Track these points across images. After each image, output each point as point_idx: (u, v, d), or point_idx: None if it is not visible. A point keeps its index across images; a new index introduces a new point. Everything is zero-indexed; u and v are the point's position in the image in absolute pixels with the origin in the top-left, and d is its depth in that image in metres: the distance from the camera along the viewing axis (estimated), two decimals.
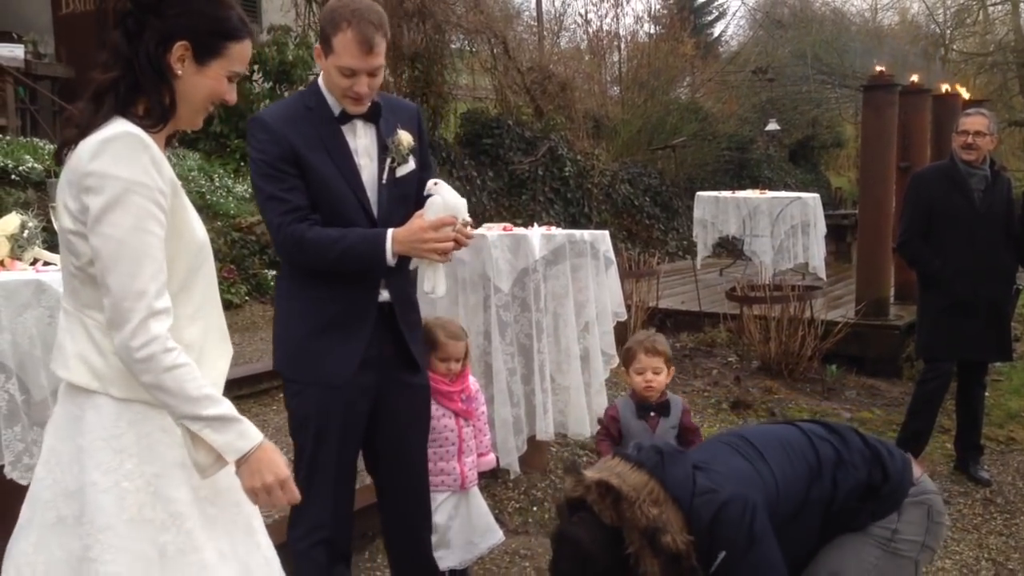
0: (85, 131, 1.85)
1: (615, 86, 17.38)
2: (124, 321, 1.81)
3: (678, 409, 3.57)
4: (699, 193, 10.37)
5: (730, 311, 7.79)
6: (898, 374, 7.41)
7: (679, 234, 13.19)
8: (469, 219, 2.79)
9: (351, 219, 2.77)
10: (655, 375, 3.52)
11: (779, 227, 9.57)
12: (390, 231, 2.74)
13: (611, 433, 3.61)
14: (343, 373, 2.81)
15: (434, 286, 2.88)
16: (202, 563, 1.88)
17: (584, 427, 4.56)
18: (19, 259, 2.95)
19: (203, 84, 1.95)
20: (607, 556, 2.28)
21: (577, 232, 4.65)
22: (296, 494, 1.97)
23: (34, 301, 2.53)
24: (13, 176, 6.96)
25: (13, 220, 2.97)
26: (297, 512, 2.94)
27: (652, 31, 18.98)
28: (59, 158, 1.92)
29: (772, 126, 18.76)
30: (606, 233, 4.79)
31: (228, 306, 6.82)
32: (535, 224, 4.93)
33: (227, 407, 1.90)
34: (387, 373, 2.93)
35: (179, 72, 1.92)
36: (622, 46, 17.86)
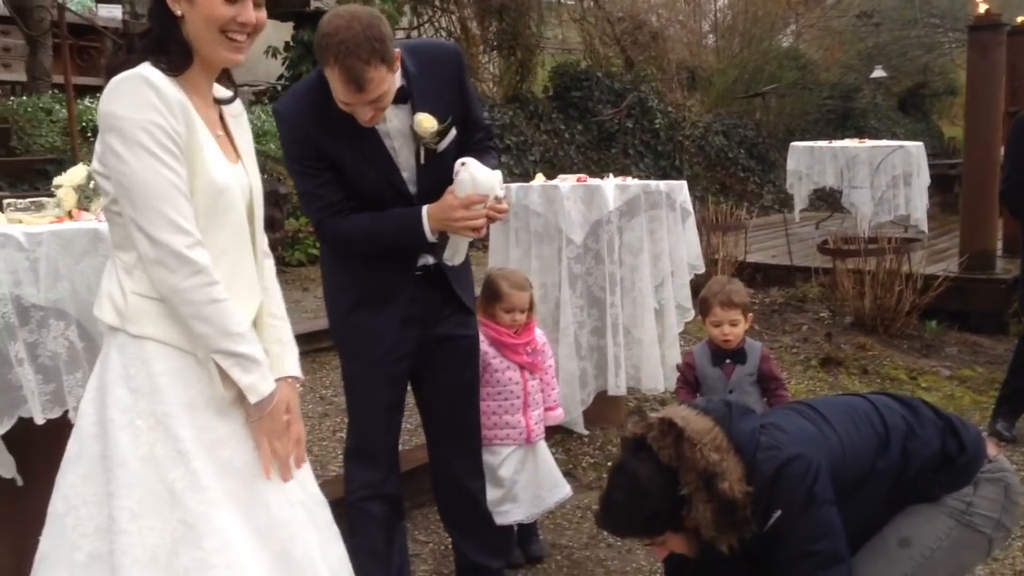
0: (111, 75, 1.91)
1: (711, 34, 16.87)
2: (163, 256, 1.85)
3: (755, 356, 3.46)
4: (793, 143, 9.97)
5: (823, 265, 7.52)
6: (1004, 330, 7.04)
7: (775, 187, 12.78)
8: (502, 194, 2.71)
9: (387, 203, 2.73)
10: (732, 327, 3.43)
11: (880, 178, 9.15)
12: (424, 209, 2.68)
13: (688, 380, 3.57)
14: (381, 345, 2.82)
15: (453, 254, 2.82)
16: (208, 500, 1.90)
17: (658, 381, 4.47)
18: (87, 209, 2.99)
19: (200, 15, 1.95)
20: (661, 496, 2.24)
21: (653, 182, 4.53)
22: (302, 456, 2.09)
23: (92, 249, 2.55)
24: None
25: (80, 171, 3.00)
26: (350, 469, 2.97)
27: None
28: None
29: (878, 73, 17.93)
30: (683, 183, 4.65)
31: (314, 260, 6.90)
32: (618, 176, 4.80)
33: (259, 350, 1.94)
34: (434, 328, 2.90)
35: (179, 12, 1.95)
36: None
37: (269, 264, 2.22)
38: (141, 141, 1.84)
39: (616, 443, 4.67)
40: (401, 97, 2.67)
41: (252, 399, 1.96)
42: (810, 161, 9.53)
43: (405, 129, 2.72)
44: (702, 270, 4.74)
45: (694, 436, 2.24)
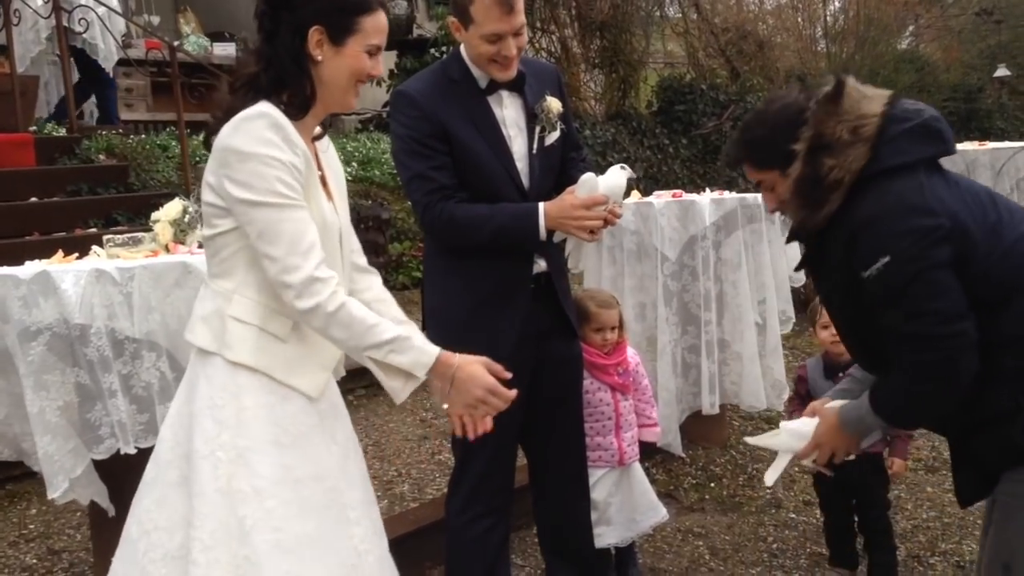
0: (228, 115, 1.96)
1: (823, 39, 16.43)
2: (298, 283, 1.90)
3: None
4: None
5: None
6: None
7: None
8: (621, 202, 2.71)
9: (502, 193, 2.71)
10: None
11: (1003, 181, 8.70)
12: (541, 206, 2.67)
13: (800, 394, 3.49)
14: (502, 351, 2.74)
15: (577, 262, 2.81)
16: (277, 542, 1.90)
17: (759, 399, 4.34)
18: (182, 243, 3.10)
19: (344, 64, 2.00)
20: (774, 129, 2.13)
21: (751, 195, 4.41)
22: (509, 394, 2.07)
23: (182, 282, 2.65)
24: None
25: (176, 206, 3.12)
26: (456, 486, 2.93)
27: None
28: (207, 143, 2.03)
29: (1001, 72, 17.13)
30: None
31: (418, 283, 6.98)
32: (715, 190, 4.70)
33: (401, 330, 1.99)
34: (544, 347, 2.86)
35: (319, 58, 2.00)
36: None
37: (377, 280, 2.27)
38: (275, 178, 1.89)
39: (719, 463, 4.55)
40: (516, 86, 2.74)
41: (420, 373, 1.97)
42: None
43: (519, 119, 2.77)
44: (802, 282, 4.59)
45: (847, 107, 2.06)
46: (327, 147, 2.21)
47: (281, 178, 1.90)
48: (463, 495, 2.90)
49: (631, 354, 3.51)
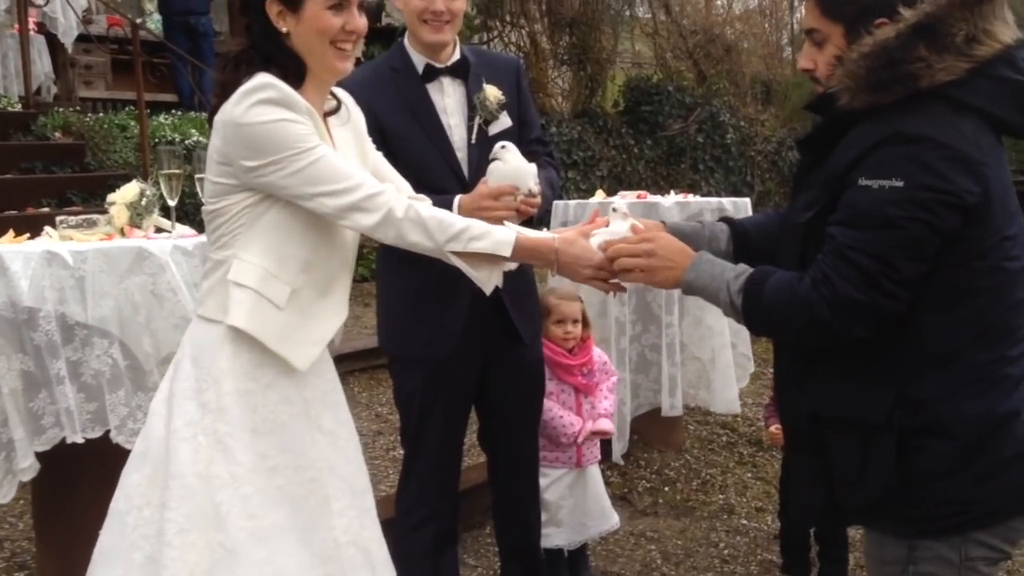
0: (226, 92, 1.94)
1: (789, 47, 16.57)
2: (352, 206, 1.91)
3: None
4: None
5: None
6: None
7: None
8: (535, 188, 2.52)
9: (440, 183, 2.62)
10: None
11: None
12: (457, 197, 2.58)
13: (778, 408, 3.43)
14: (444, 346, 2.72)
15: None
16: (251, 529, 1.88)
17: (735, 406, 4.36)
18: (138, 227, 3.02)
19: (309, 28, 1.97)
20: None
21: (715, 199, 4.43)
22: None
23: (137, 267, 2.57)
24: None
25: (133, 188, 3.03)
26: (402, 489, 2.91)
27: None
28: (210, 122, 2.01)
29: None
30: (747, 201, 4.53)
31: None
32: (680, 193, 4.71)
33: (471, 220, 2.03)
34: (494, 345, 2.81)
35: (284, 28, 1.97)
36: (798, 3, 16.98)
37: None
38: (295, 132, 1.89)
39: (673, 467, 4.55)
40: (459, 71, 2.71)
41: (506, 252, 1.99)
42: None
43: (461, 106, 2.72)
44: None
45: (983, 13, 1.76)
46: (344, 120, 2.18)
47: (296, 131, 1.90)
48: (409, 498, 2.88)
49: (597, 354, 3.49)
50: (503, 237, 2.00)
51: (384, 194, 1.95)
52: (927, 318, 1.77)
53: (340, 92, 2.19)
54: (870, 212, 1.72)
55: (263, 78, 1.92)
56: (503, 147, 2.52)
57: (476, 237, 1.98)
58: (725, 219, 2.22)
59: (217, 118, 1.95)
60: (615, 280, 2.09)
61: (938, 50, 1.75)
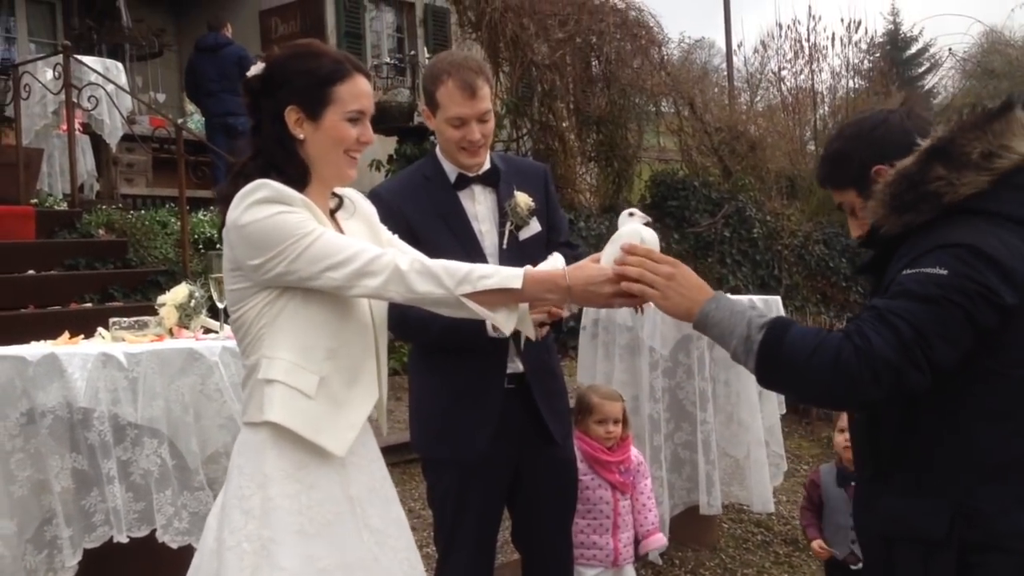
0: (226, 202, 2.01)
1: (812, 142, 16.78)
2: (356, 273, 1.94)
3: None
4: None
5: None
6: None
7: None
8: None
9: None
10: None
11: None
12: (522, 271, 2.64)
13: (812, 500, 3.42)
14: (475, 450, 2.75)
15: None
16: None
17: (769, 504, 4.33)
18: (186, 327, 3.11)
19: (326, 137, 2.04)
20: (851, 138, 2.02)
21: (747, 297, 4.46)
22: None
23: (187, 368, 2.65)
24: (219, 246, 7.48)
25: (182, 290, 3.14)
26: None
27: (854, 85, 18.23)
28: (220, 233, 2.07)
29: None
30: (778, 299, 4.58)
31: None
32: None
33: (475, 265, 2.03)
34: (526, 446, 2.84)
35: (301, 136, 2.04)
36: (820, 101, 17.25)
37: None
38: (280, 226, 1.93)
39: (708, 566, 4.50)
40: (490, 180, 2.79)
41: (516, 284, 1.98)
42: None
43: (492, 213, 2.80)
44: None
45: (998, 130, 1.85)
46: (352, 210, 2.24)
47: (292, 221, 1.94)
48: None
49: (634, 453, 3.52)
50: (512, 272, 2.00)
51: (386, 255, 1.98)
52: (980, 428, 1.80)
53: (342, 189, 2.24)
54: (913, 289, 1.78)
55: (259, 181, 1.98)
56: (630, 214, 2.27)
57: (485, 275, 1.98)
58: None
59: (224, 229, 2.02)
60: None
61: (956, 168, 1.84)
